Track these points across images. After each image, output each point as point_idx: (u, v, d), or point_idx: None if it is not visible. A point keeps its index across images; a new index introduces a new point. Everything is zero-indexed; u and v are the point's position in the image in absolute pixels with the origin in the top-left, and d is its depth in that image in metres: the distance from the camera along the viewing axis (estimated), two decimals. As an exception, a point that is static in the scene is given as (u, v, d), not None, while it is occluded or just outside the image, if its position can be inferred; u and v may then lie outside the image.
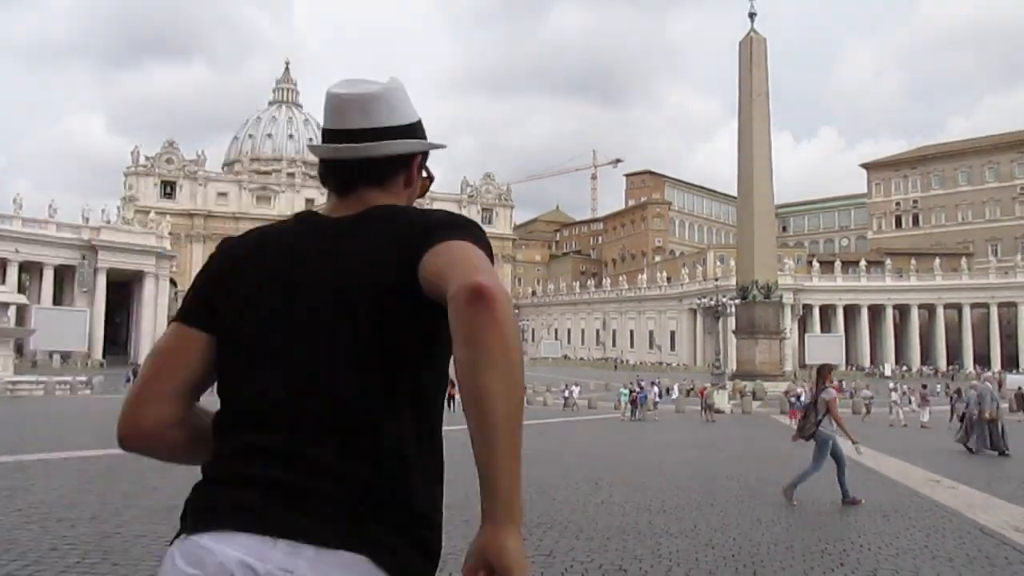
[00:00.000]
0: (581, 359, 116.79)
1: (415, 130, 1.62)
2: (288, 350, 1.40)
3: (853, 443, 10.31)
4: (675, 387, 50.25)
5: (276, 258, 1.49)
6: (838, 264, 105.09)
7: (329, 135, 1.58)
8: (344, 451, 1.33)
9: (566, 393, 41.79)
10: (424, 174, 1.70)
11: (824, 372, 10.89)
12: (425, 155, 1.69)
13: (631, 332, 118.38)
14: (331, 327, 1.39)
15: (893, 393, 36.17)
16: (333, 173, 1.58)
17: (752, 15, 57.56)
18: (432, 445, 1.45)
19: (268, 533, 1.27)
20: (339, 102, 1.57)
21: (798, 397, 34.61)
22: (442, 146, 1.72)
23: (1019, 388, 39.98)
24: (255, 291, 1.46)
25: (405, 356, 1.38)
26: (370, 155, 1.55)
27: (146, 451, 1.61)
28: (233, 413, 1.44)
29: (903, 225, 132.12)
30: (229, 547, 1.28)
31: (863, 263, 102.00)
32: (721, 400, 40.43)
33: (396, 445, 1.36)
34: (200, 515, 1.38)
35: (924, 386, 35.09)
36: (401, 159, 1.60)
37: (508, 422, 1.19)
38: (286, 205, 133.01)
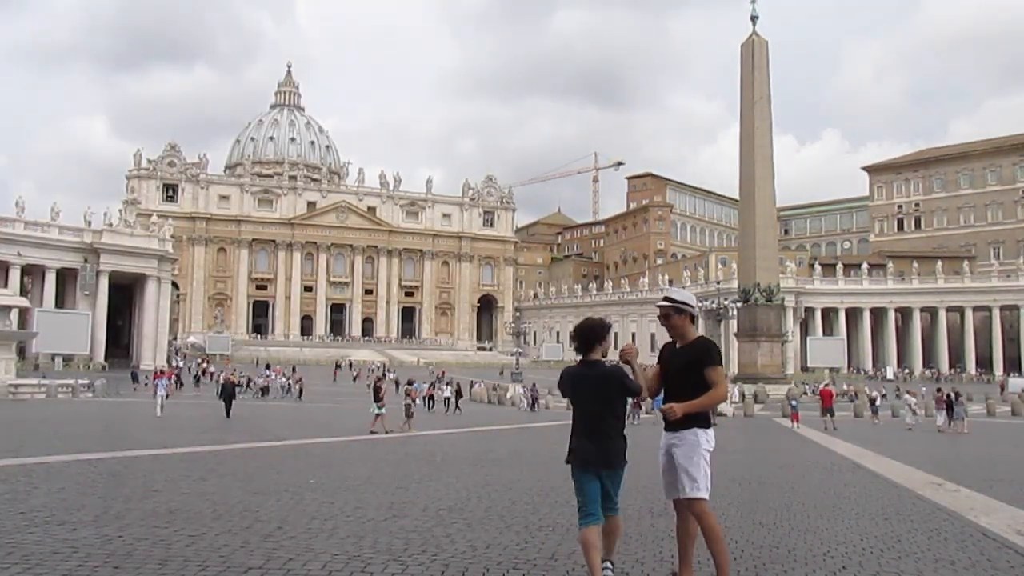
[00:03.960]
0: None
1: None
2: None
3: None
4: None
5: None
6: (840, 267, 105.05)
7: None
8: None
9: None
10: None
11: None
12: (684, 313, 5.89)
13: (632, 335, 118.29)
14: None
15: (909, 396, 36.33)
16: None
17: (754, 18, 57.57)
18: None
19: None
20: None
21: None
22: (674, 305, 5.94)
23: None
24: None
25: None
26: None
27: None
28: None
29: (905, 228, 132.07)
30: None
31: (865, 266, 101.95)
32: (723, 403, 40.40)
33: None
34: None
35: (939, 389, 34.84)
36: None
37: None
38: (288, 208, 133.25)
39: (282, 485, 11.05)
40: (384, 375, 30.04)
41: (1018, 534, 8.32)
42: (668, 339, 6.09)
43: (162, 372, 48.06)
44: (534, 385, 46.34)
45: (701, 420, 5.63)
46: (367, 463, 15.00)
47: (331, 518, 8.44)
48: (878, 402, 39.36)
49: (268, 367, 66.21)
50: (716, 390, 5.61)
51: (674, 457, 5.61)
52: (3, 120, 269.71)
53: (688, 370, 5.65)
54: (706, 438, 5.61)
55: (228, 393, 28.85)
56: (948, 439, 26.45)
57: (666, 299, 5.90)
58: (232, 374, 37.90)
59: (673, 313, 5.79)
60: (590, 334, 5.66)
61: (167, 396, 30.49)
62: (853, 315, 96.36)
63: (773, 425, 33.46)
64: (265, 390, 50.57)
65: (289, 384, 53.63)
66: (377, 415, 22.67)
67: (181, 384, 53.66)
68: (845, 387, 58.88)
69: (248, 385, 51.36)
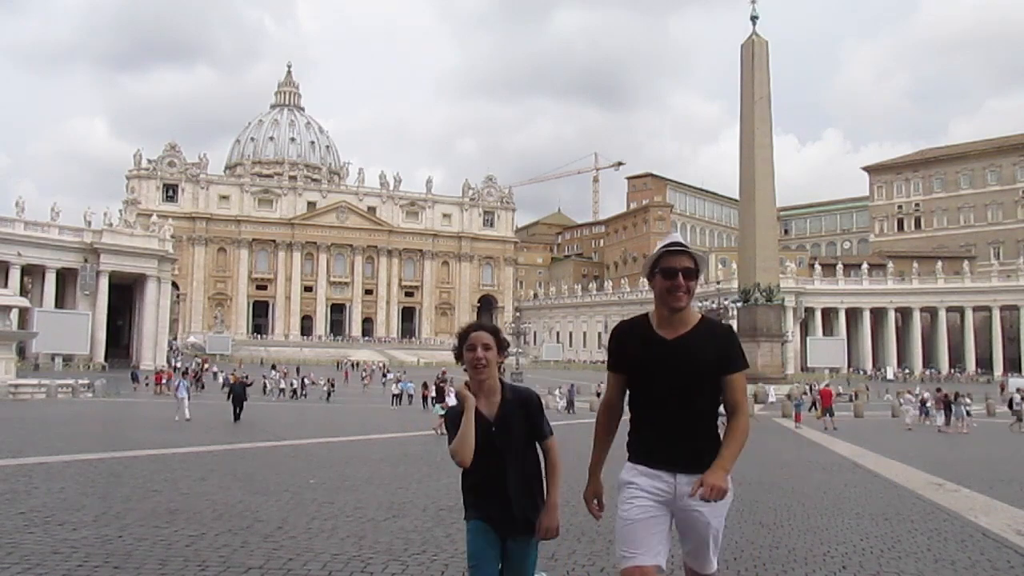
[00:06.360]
0: (584, 361, 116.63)
1: None
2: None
3: None
4: None
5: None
6: (840, 267, 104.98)
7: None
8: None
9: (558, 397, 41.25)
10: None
11: None
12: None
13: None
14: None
15: (908, 395, 36.41)
16: None
17: (754, 19, 57.52)
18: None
19: None
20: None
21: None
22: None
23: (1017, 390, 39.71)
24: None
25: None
26: None
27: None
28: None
29: (905, 228, 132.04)
30: None
31: (865, 266, 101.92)
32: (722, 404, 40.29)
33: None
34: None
35: (939, 389, 34.75)
36: None
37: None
38: (288, 208, 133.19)
39: (282, 485, 11.05)
40: (445, 378, 29.79)
41: (1018, 534, 8.32)
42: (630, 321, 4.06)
43: (185, 372, 46.79)
44: (572, 386, 43.38)
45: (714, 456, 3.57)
46: (367, 463, 15.00)
47: (331, 518, 8.44)
48: (930, 403, 33.79)
49: (274, 367, 65.00)
50: (741, 419, 3.62)
51: (703, 515, 3.54)
52: (3, 120, 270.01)
53: (703, 375, 3.62)
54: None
55: (237, 394, 26.01)
56: (948, 439, 26.45)
57: (677, 244, 3.71)
58: (234, 372, 37.25)
59: (694, 272, 3.70)
60: None
61: (189, 398, 26.67)
62: (853, 315, 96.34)
63: (773, 425, 33.43)
64: (295, 392, 48.04)
65: (305, 385, 52.93)
66: (442, 416, 22.82)
67: (203, 386, 52.56)
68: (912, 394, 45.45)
69: (277, 386, 48.56)
